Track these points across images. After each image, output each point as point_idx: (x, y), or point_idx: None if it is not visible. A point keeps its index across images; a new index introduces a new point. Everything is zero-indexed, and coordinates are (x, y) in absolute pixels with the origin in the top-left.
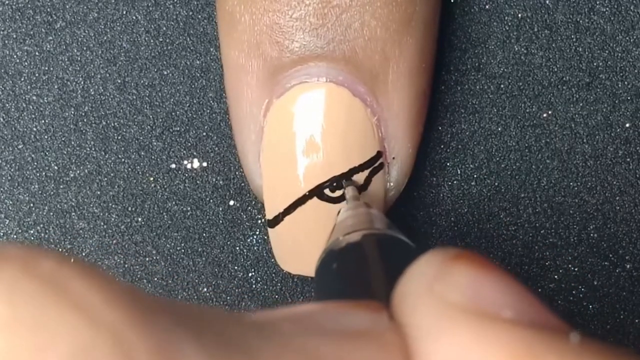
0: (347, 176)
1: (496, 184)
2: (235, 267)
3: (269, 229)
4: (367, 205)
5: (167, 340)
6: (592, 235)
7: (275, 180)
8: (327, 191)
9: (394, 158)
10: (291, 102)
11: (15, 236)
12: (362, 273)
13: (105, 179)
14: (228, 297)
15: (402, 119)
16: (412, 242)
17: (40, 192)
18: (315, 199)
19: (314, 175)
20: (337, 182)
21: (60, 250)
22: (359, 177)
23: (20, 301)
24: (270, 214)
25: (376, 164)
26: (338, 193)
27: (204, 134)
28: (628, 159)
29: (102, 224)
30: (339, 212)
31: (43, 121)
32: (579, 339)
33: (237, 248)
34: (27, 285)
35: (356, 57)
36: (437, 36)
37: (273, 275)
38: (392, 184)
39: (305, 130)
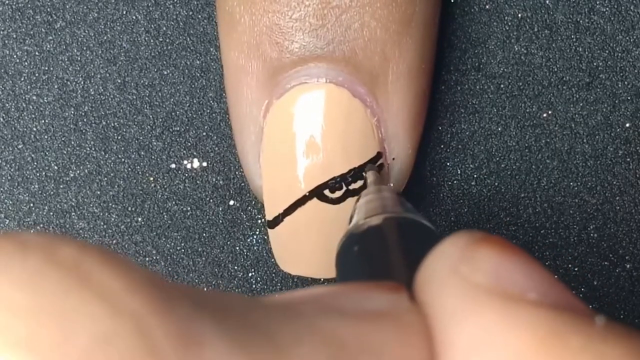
0: (346, 177)
1: (496, 184)
2: (235, 267)
3: (268, 230)
4: (388, 190)
5: (188, 327)
6: (592, 235)
7: (275, 181)
8: (327, 192)
9: (394, 159)
10: (291, 103)
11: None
12: (383, 255)
13: (105, 178)
14: None
15: (402, 120)
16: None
17: (40, 192)
18: (315, 199)
19: (314, 176)
20: (337, 183)
21: None
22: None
23: (43, 289)
24: (270, 215)
25: (376, 165)
26: (338, 194)
27: (204, 133)
28: (628, 159)
29: (102, 224)
30: (358, 197)
31: (43, 121)
32: (604, 321)
33: (237, 248)
34: (50, 273)
35: (356, 57)
36: (437, 36)
37: (273, 275)
38: (392, 185)
39: (305, 131)
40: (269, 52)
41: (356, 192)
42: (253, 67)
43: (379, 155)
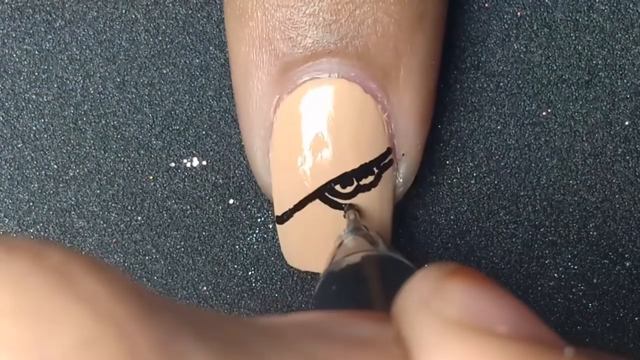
0: (357, 173)
1: (496, 182)
2: (235, 266)
3: (277, 226)
4: (367, 228)
5: (170, 337)
6: (591, 233)
7: (284, 177)
8: (338, 187)
9: (403, 155)
10: (302, 98)
11: (14, 235)
12: (362, 293)
13: (105, 177)
14: (228, 296)
15: (412, 116)
16: (411, 258)
17: (39, 190)
18: (326, 195)
19: (325, 171)
20: (348, 178)
21: None
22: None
23: (28, 291)
24: (279, 211)
25: (386, 161)
26: (349, 189)
27: (204, 132)
28: (627, 157)
29: (101, 222)
30: (340, 236)
31: (42, 120)
32: (573, 353)
33: (237, 247)
34: (36, 276)
35: (368, 53)
36: (445, 33)
37: (272, 273)
38: (401, 181)
39: (316, 126)
40: (281, 47)
41: (367, 188)
42: (264, 62)
43: (388, 151)
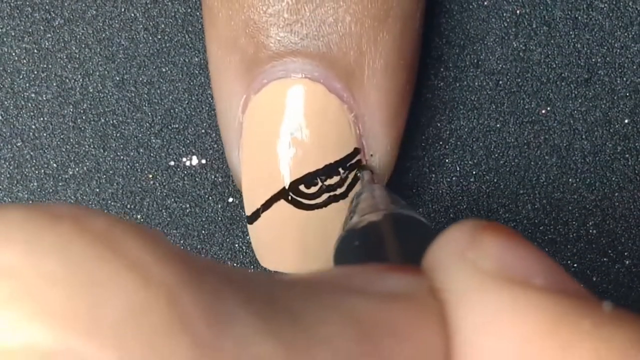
0: (321, 173)
1: (495, 180)
2: (235, 264)
3: (248, 225)
4: (383, 188)
5: (217, 300)
6: (591, 231)
7: (253, 176)
8: (302, 187)
9: (372, 155)
10: (268, 98)
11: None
12: (382, 249)
13: (104, 176)
14: None
15: (380, 116)
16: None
17: (39, 189)
18: (291, 195)
19: (291, 171)
20: (313, 178)
21: None
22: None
23: (76, 258)
24: (249, 210)
25: (353, 161)
26: (313, 189)
27: (203, 131)
28: (627, 155)
29: None
30: (354, 196)
31: (42, 119)
32: (611, 307)
33: (237, 245)
34: (82, 242)
35: (331, 53)
36: (420, 32)
37: (272, 272)
38: None
39: (282, 126)
40: (246, 47)
41: (332, 188)
42: (231, 62)
43: (356, 151)
